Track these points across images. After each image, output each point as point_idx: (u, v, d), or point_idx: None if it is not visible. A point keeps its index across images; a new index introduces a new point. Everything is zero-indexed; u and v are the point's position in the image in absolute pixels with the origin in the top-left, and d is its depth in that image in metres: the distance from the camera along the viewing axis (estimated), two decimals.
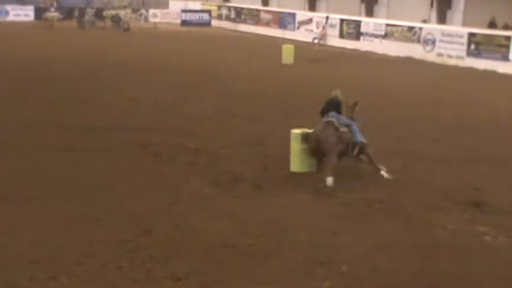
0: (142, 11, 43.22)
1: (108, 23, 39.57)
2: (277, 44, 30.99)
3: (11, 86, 19.20)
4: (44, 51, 27.56)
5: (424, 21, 32.84)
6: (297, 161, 11.41)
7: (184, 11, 44.21)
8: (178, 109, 16.65)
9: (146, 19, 42.47)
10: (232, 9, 44.72)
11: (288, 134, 11.74)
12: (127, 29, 38.41)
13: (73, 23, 38.98)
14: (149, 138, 13.35)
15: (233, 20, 43.75)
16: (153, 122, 15.05)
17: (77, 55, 26.65)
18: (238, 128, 14.74)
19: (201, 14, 44.55)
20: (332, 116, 11.46)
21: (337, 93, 12.01)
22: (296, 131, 11.64)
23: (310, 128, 11.68)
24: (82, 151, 12.30)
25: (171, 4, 47.85)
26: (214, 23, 44.11)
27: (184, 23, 42.89)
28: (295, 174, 11.22)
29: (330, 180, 10.66)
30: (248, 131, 14.48)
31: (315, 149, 11.30)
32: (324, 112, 11.63)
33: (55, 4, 43.13)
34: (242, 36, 39.00)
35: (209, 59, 27.14)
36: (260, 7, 44.01)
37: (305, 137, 11.49)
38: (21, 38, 32.41)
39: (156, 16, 42.95)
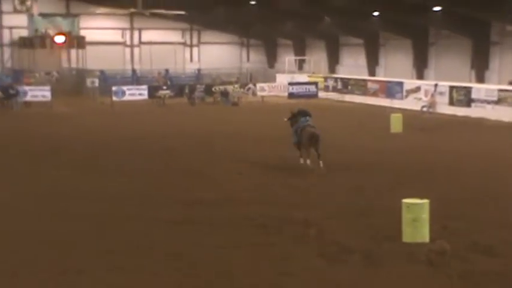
0: (250, 85, 44.13)
1: (218, 98, 40.61)
2: (385, 113, 30.74)
3: (124, 161, 19.88)
4: (156, 126, 28.52)
5: (511, 82, 31.80)
6: (409, 231, 11.10)
7: (291, 83, 44.78)
8: (283, 181, 16.65)
9: (254, 93, 43.28)
10: (338, 80, 44.95)
11: (398, 204, 11.47)
12: (235, 104, 39.24)
13: (184, 99, 40.29)
14: (257, 210, 13.37)
15: (340, 91, 43.91)
16: (258, 194, 15.10)
17: (187, 130, 27.40)
18: (345, 198, 14.55)
19: (307, 86, 44.98)
20: (308, 120, 18.46)
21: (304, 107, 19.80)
22: (407, 201, 11.37)
23: (422, 198, 11.41)
24: (191, 224, 12.47)
25: (278, 77, 48.65)
26: (321, 94, 44.37)
27: (291, 95, 43.37)
28: (407, 244, 10.89)
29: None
30: (356, 200, 14.27)
31: (312, 141, 17.78)
32: (295, 118, 18.76)
33: (168, 82, 44.87)
34: (349, 106, 39.01)
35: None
36: (367, 77, 44.02)
37: (302, 131, 18.03)
38: (135, 115, 33.73)
39: (263, 90, 43.72)
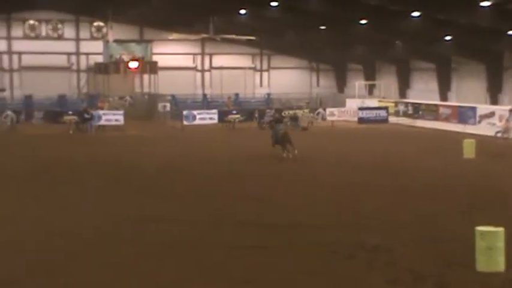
0: (320, 110, 44.09)
1: (287, 122, 40.66)
2: (457, 138, 30.16)
3: (192, 185, 20.09)
4: (225, 151, 28.74)
5: None
6: (484, 260, 10.79)
7: (361, 108, 44.51)
8: (355, 205, 16.52)
9: (323, 118, 43.21)
10: (409, 105, 44.42)
11: (470, 231, 11.19)
12: (305, 128, 39.22)
13: (253, 124, 40.51)
14: (326, 235, 13.28)
15: (411, 116, 43.36)
16: (330, 219, 15.00)
17: (256, 154, 27.51)
18: (417, 224, 14.33)
19: (378, 111, 44.57)
20: (281, 127, 26.35)
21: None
22: (481, 229, 11.07)
23: (496, 225, 11.10)
24: (260, 248, 12.46)
25: (348, 102, 48.46)
26: (392, 119, 43.89)
27: (361, 120, 43.07)
28: (481, 273, 10.60)
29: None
30: (427, 227, 14.03)
31: (285, 139, 25.30)
32: (274, 123, 27.44)
33: (231, 107, 45.20)
34: (420, 131, 38.46)
35: (386, 155, 26.91)
36: (439, 102, 43.36)
37: (274, 132, 26.12)
38: (205, 139, 34.10)
39: (333, 115, 43.60)
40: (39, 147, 30.04)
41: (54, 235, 13.62)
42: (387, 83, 50.97)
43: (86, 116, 37.96)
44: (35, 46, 52.13)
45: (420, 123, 41.72)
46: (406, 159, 25.74)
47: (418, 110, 43.09)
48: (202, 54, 56.30)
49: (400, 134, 37.19)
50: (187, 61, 55.95)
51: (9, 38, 52.50)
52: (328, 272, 10.91)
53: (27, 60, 52.23)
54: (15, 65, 52.52)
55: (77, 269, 11.31)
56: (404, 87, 49.67)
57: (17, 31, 52.63)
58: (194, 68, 56.51)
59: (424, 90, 47.29)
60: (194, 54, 56.21)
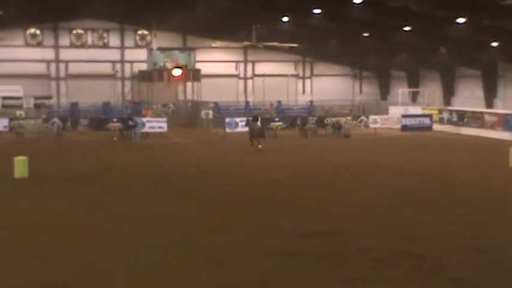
0: (363, 117, 43.85)
1: (329, 130, 40.56)
2: (503, 146, 29.66)
3: (234, 191, 20.15)
4: (266, 158, 28.76)
5: None
6: None
7: (404, 116, 44.13)
8: (398, 213, 16.36)
9: (366, 125, 42.96)
10: (454, 112, 43.88)
11: None
12: (347, 136, 39.06)
13: (296, 131, 40.49)
14: (368, 243, 13.16)
15: (455, 124, 42.82)
16: (372, 227, 14.87)
17: (297, 161, 27.50)
18: (462, 233, 14.10)
19: (421, 119, 44.14)
20: (258, 122, 32.33)
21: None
22: None
23: None
24: (298, 256, 12.39)
25: (391, 109, 48.08)
26: (436, 127, 43.43)
27: (404, 127, 42.72)
28: None
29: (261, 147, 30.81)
30: (473, 236, 13.80)
31: (258, 134, 31.01)
32: (251, 121, 33.21)
33: (274, 114, 45.25)
34: (465, 139, 37.95)
35: (430, 163, 26.62)
36: (484, 109, 42.74)
37: (251, 128, 32.22)
38: (246, 146, 34.17)
39: (376, 122, 43.33)
40: (84, 153, 30.51)
41: (98, 240, 13.77)
42: (431, 90, 50.47)
43: (130, 123, 38.42)
44: (81, 54, 53.12)
45: (465, 130, 41.19)
46: (451, 167, 25.42)
47: (462, 118, 42.54)
48: (245, 61, 56.58)
49: (444, 141, 36.74)
50: (230, 68, 56.27)
51: (56, 47, 53.58)
52: (371, 281, 10.80)
53: (73, 68, 53.24)
54: (62, 73, 53.59)
55: (119, 275, 11.41)
56: (448, 94, 49.12)
57: (64, 40, 53.69)
58: (237, 76, 56.81)
59: (469, 97, 46.70)
60: (237, 61, 56.53)
